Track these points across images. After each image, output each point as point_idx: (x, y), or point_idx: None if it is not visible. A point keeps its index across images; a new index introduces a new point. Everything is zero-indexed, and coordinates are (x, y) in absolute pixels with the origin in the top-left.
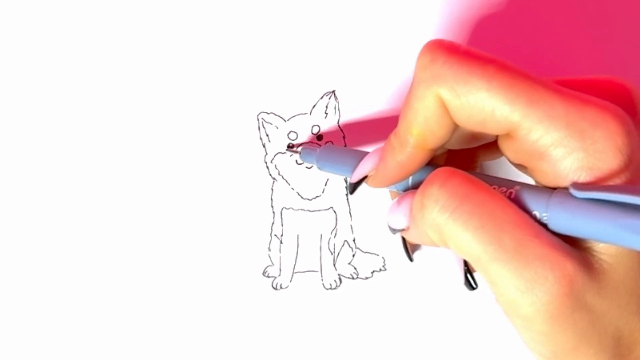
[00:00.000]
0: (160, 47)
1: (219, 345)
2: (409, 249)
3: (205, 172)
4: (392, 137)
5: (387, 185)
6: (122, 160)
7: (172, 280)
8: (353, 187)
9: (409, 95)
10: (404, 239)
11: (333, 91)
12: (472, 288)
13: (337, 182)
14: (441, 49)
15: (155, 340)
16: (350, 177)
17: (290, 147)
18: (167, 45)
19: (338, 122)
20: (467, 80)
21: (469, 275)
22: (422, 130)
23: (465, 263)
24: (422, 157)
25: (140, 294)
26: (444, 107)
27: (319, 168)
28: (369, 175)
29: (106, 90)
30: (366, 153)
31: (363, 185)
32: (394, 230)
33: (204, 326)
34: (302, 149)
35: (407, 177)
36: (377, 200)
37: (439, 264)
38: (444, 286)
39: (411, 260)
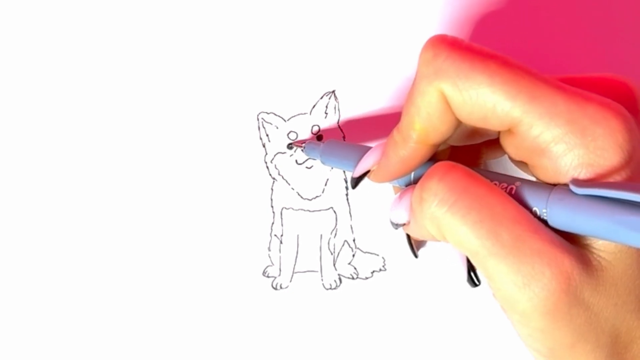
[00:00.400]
0: (160, 47)
1: (219, 345)
2: (414, 245)
3: (206, 172)
4: (394, 132)
5: (388, 181)
6: (122, 160)
7: (172, 280)
8: (355, 182)
9: (411, 91)
10: (408, 235)
11: (333, 91)
12: (475, 285)
13: (337, 182)
14: (444, 44)
15: (155, 340)
16: (353, 172)
17: (291, 144)
18: (167, 46)
19: (338, 122)
20: (469, 75)
21: (471, 272)
22: (425, 126)
23: (468, 259)
24: (424, 152)
25: (141, 294)
26: (446, 103)
27: (322, 162)
28: (371, 170)
29: (106, 90)
30: (369, 148)
31: (365, 182)
32: (395, 225)
33: (204, 326)
34: (306, 144)
35: (409, 173)
36: (377, 201)
37: (439, 264)
38: (444, 286)
39: (416, 256)
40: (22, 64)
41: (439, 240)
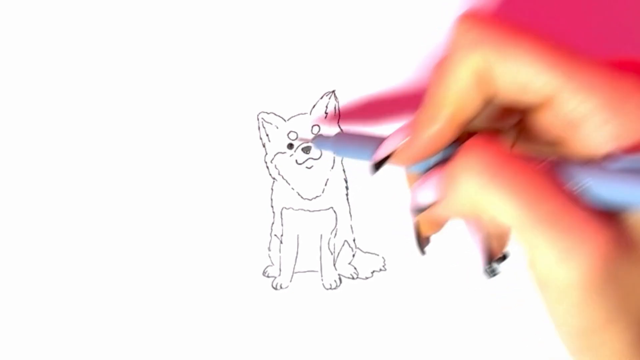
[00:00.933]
0: (161, 47)
1: (219, 345)
2: (422, 242)
3: (206, 172)
4: (422, 110)
5: (414, 162)
6: (123, 160)
7: (173, 280)
8: (376, 166)
9: (443, 64)
10: (417, 232)
11: (333, 91)
12: (494, 274)
13: (337, 182)
14: (479, 16)
15: (155, 340)
16: (375, 155)
17: (291, 145)
18: (167, 46)
19: (338, 122)
20: (509, 44)
21: (491, 262)
22: (457, 101)
23: (485, 249)
24: (453, 131)
25: (141, 293)
26: (483, 75)
27: (335, 154)
28: (396, 151)
29: (106, 90)
30: (385, 137)
31: (363, 184)
32: (418, 209)
33: (204, 326)
34: (316, 136)
35: (437, 153)
36: (377, 201)
37: (439, 264)
38: (444, 286)
39: (423, 253)
40: (22, 64)
41: (469, 218)
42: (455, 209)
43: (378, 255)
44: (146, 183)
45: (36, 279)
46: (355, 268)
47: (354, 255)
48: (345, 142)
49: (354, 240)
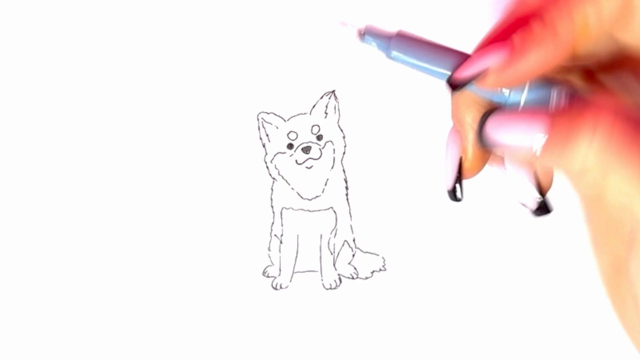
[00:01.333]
0: (161, 47)
1: (219, 345)
2: (461, 184)
3: (206, 172)
4: (535, 26)
5: (511, 85)
6: (123, 160)
7: (173, 280)
8: (458, 84)
9: None
10: (458, 171)
11: (333, 91)
12: (544, 212)
13: (337, 182)
14: None
15: (155, 340)
16: (459, 72)
17: (291, 145)
18: (167, 46)
19: (338, 122)
20: None
21: (543, 197)
22: (587, 16)
23: (538, 185)
24: (566, 53)
25: (141, 293)
26: None
27: (390, 57)
28: (490, 70)
29: (107, 90)
30: (449, 49)
31: (363, 184)
32: (517, 152)
33: (204, 326)
34: (365, 28)
35: (538, 74)
36: (377, 201)
37: (438, 264)
38: (444, 286)
39: (459, 199)
40: (22, 64)
41: (571, 178)
42: (563, 165)
43: (378, 255)
44: (146, 183)
45: (36, 278)
46: (355, 268)
47: (353, 255)
48: (407, 44)
49: (353, 240)
